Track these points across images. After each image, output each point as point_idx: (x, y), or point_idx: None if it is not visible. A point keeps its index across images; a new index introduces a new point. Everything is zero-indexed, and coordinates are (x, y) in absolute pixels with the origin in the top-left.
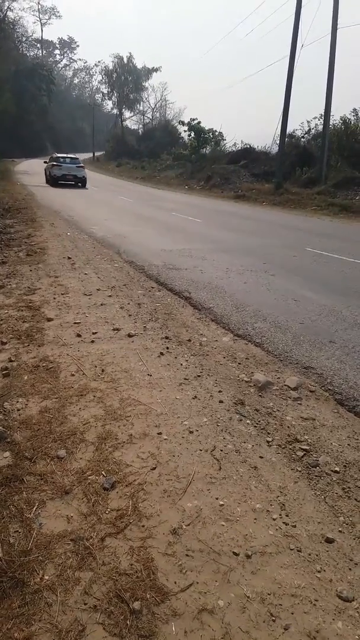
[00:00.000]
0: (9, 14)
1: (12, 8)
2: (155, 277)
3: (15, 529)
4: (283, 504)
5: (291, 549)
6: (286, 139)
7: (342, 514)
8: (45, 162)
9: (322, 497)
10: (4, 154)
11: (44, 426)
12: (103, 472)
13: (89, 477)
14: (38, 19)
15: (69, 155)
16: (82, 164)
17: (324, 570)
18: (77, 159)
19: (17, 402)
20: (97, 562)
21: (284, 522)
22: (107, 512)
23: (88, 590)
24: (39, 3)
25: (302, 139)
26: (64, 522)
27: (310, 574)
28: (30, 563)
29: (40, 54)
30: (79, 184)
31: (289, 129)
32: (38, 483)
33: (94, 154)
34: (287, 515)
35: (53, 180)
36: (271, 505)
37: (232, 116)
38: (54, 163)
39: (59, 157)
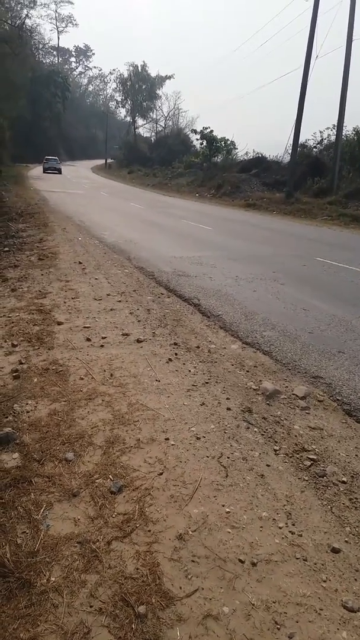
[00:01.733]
0: (27, 21)
1: (30, 16)
2: (165, 283)
3: (22, 530)
4: (289, 513)
5: (297, 558)
6: (298, 149)
7: (349, 525)
8: (43, 162)
9: (329, 507)
10: (18, 159)
11: (52, 429)
12: (110, 476)
13: (97, 481)
14: (55, 26)
15: (52, 157)
16: (59, 162)
17: (330, 580)
18: (57, 159)
19: (27, 404)
20: (103, 565)
21: (290, 531)
22: (113, 515)
23: (94, 592)
24: (56, 11)
25: (314, 149)
26: (71, 524)
27: (316, 583)
28: (37, 564)
29: (56, 61)
30: (58, 172)
31: (302, 139)
32: (46, 485)
33: (106, 161)
34: (293, 524)
35: (44, 170)
36: (277, 513)
37: (245, 125)
38: (45, 161)
39: (47, 158)
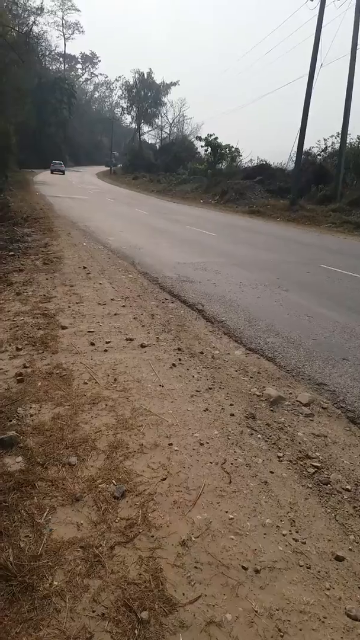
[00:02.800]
0: (34, 28)
1: (37, 23)
2: (169, 288)
3: (25, 534)
4: (293, 520)
5: (300, 566)
6: (302, 156)
7: (353, 533)
8: (50, 165)
9: (333, 514)
10: (24, 165)
11: (56, 432)
12: (113, 481)
13: (100, 485)
14: (62, 33)
15: (58, 161)
16: (63, 165)
17: (333, 588)
18: (62, 162)
19: (31, 407)
20: (106, 570)
21: (293, 538)
22: (116, 520)
23: (96, 598)
24: (63, 18)
25: (319, 157)
26: (74, 528)
27: (319, 591)
28: (40, 568)
29: (63, 68)
30: (62, 173)
31: (306, 147)
32: (49, 489)
33: (111, 167)
34: (297, 532)
35: (51, 171)
36: (281, 521)
37: (249, 132)
38: (52, 164)
39: (54, 162)
